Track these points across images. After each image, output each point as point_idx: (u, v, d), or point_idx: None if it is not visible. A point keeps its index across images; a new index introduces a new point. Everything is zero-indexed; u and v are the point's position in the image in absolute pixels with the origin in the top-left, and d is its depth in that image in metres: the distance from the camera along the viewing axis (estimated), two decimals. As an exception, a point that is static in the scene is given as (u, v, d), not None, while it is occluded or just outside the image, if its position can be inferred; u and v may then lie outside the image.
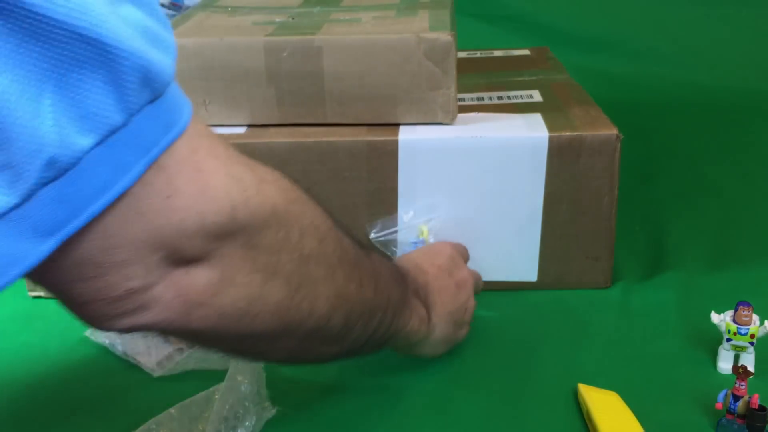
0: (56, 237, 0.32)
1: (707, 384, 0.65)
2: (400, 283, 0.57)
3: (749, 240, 0.91)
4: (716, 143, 1.21)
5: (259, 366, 0.62)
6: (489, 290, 0.81)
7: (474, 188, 0.77)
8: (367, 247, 0.54)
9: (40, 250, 0.32)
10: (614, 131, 0.75)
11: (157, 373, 0.68)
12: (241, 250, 0.39)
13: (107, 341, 0.71)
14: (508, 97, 0.87)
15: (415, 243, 0.77)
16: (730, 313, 0.66)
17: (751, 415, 0.58)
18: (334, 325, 0.48)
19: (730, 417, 0.59)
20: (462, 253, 0.73)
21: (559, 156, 0.75)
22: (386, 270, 0.55)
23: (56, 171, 0.30)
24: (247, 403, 0.59)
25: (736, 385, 0.59)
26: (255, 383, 0.60)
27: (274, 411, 0.62)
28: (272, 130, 0.78)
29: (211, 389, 0.62)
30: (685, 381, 0.66)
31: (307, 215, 0.45)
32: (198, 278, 0.38)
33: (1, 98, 0.29)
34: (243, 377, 0.60)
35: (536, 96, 0.87)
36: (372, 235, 0.79)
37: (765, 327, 0.64)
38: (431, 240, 0.77)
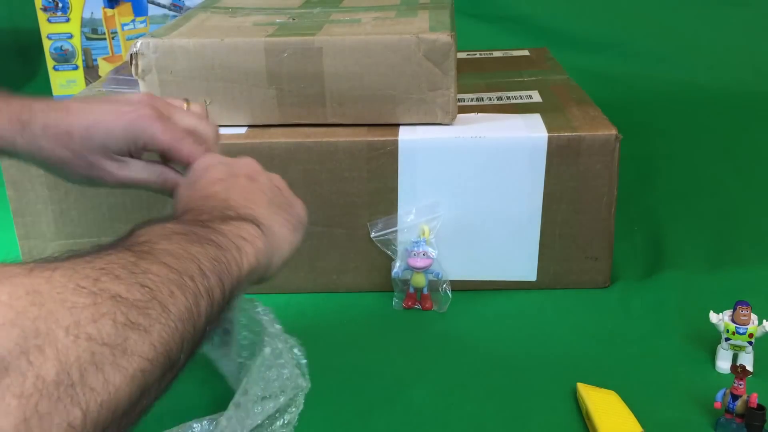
0: None
1: (706, 383, 0.65)
2: (202, 237, 0.47)
3: (748, 240, 0.91)
4: (715, 143, 1.21)
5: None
6: (488, 290, 0.81)
7: (474, 188, 0.77)
8: (154, 249, 0.43)
9: None
10: (613, 131, 0.76)
11: None
12: None
13: None
14: (508, 98, 0.87)
15: (416, 242, 0.77)
16: (728, 312, 0.66)
17: (750, 414, 0.58)
18: (152, 380, 0.40)
19: (728, 416, 0.59)
20: (212, 139, 0.62)
21: (559, 156, 0.76)
22: (176, 243, 0.45)
23: None
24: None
25: (735, 385, 0.59)
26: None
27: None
28: (273, 130, 0.79)
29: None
30: (684, 380, 0.66)
31: (61, 321, 0.35)
32: None
33: None
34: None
35: (535, 96, 0.88)
36: (372, 235, 0.79)
37: (763, 326, 0.64)
38: (432, 240, 0.77)
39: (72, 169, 0.60)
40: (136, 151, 0.60)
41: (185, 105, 0.64)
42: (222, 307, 0.46)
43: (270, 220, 0.53)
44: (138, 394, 0.38)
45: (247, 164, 0.58)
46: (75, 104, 0.61)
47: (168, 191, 0.61)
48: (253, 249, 0.49)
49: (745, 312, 0.65)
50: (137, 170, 0.61)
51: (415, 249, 0.77)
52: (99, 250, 0.42)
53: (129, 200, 0.79)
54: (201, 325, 0.43)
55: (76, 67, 1.47)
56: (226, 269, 0.46)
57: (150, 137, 0.59)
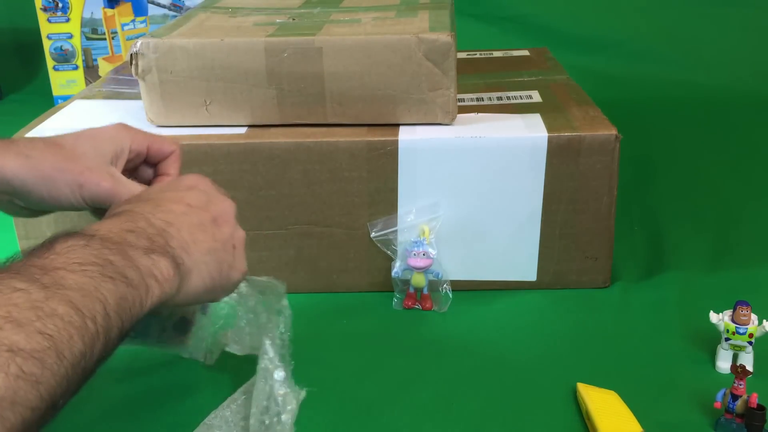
0: None
1: (706, 383, 0.65)
2: (117, 270, 0.47)
3: (748, 239, 0.91)
4: (715, 143, 1.21)
5: (286, 351, 0.62)
6: (488, 290, 0.81)
7: (474, 188, 0.77)
8: (65, 281, 0.44)
9: None
10: (613, 131, 0.76)
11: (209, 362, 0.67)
12: None
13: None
14: (508, 98, 0.87)
15: (416, 242, 0.77)
16: (728, 312, 0.66)
17: (750, 414, 0.58)
18: (33, 426, 0.41)
19: (728, 416, 0.59)
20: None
21: (559, 156, 0.76)
22: (89, 277, 0.46)
23: None
24: (282, 390, 0.59)
25: (735, 384, 0.59)
26: (286, 369, 0.60)
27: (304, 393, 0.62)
28: (273, 130, 0.79)
29: (248, 383, 0.63)
30: (684, 380, 0.66)
31: None
32: None
33: None
34: (273, 365, 0.60)
35: (535, 96, 0.88)
36: (372, 235, 0.79)
37: (763, 326, 0.64)
38: (432, 240, 0.77)
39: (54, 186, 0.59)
40: (121, 155, 0.62)
41: None
42: (116, 345, 0.47)
43: (195, 266, 0.53)
44: None
45: (225, 209, 0.58)
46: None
47: None
48: (159, 290, 0.50)
49: (745, 312, 0.65)
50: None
51: (415, 249, 0.77)
52: (12, 272, 0.43)
53: (129, 200, 0.78)
54: (90, 366, 0.44)
55: (76, 67, 1.47)
56: (128, 309, 0.47)
57: (132, 137, 0.62)
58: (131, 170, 0.64)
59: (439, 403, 0.64)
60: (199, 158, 0.77)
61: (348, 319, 0.78)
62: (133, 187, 0.60)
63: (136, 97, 0.85)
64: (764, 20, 1.59)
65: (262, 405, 0.59)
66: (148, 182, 0.64)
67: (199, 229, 0.55)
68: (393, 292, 0.80)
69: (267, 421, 0.58)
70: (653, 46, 1.58)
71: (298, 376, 0.65)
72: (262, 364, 0.60)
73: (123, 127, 0.63)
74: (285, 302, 0.65)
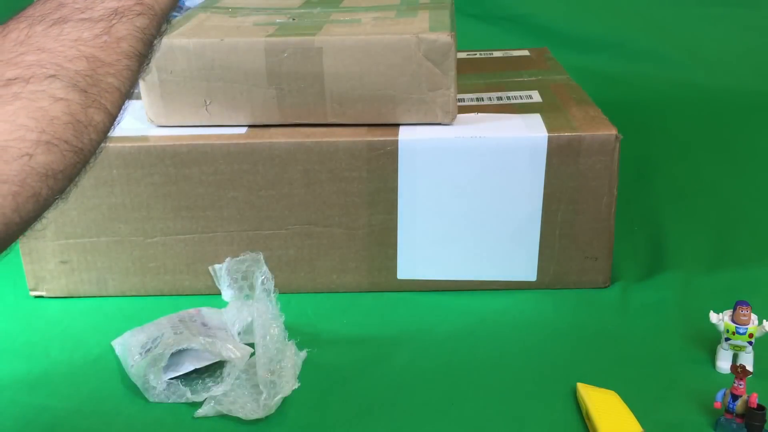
0: None
1: (706, 383, 0.65)
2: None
3: (748, 239, 0.91)
4: (715, 143, 1.21)
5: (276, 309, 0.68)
6: (489, 290, 0.81)
7: (473, 188, 0.77)
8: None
9: None
10: (613, 131, 0.76)
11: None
12: None
13: (131, 362, 0.68)
14: (508, 98, 0.87)
15: None
16: (728, 312, 0.66)
17: (750, 414, 0.58)
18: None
19: (728, 416, 0.60)
20: None
21: (559, 156, 0.76)
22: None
23: None
24: (280, 345, 0.65)
25: (735, 385, 0.59)
26: (279, 326, 0.66)
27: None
28: (273, 130, 0.79)
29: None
30: (684, 380, 0.66)
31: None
32: None
33: None
34: (268, 323, 0.65)
35: (535, 96, 0.88)
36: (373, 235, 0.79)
37: (763, 326, 0.64)
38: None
39: None
40: None
41: None
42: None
43: None
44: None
45: None
46: None
47: None
48: None
49: (745, 312, 0.65)
50: None
51: None
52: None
53: (129, 200, 0.79)
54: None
55: (76, 67, 1.47)
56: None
57: None
58: None
59: (439, 403, 0.64)
60: (199, 158, 0.77)
61: (348, 319, 0.78)
62: None
63: (136, 96, 0.84)
64: (764, 20, 1.59)
65: (266, 357, 0.63)
66: None
67: None
68: (393, 292, 0.80)
69: (273, 368, 0.64)
70: (653, 46, 1.58)
71: (298, 375, 0.66)
72: (260, 321, 0.65)
73: None
74: (265, 267, 0.69)
